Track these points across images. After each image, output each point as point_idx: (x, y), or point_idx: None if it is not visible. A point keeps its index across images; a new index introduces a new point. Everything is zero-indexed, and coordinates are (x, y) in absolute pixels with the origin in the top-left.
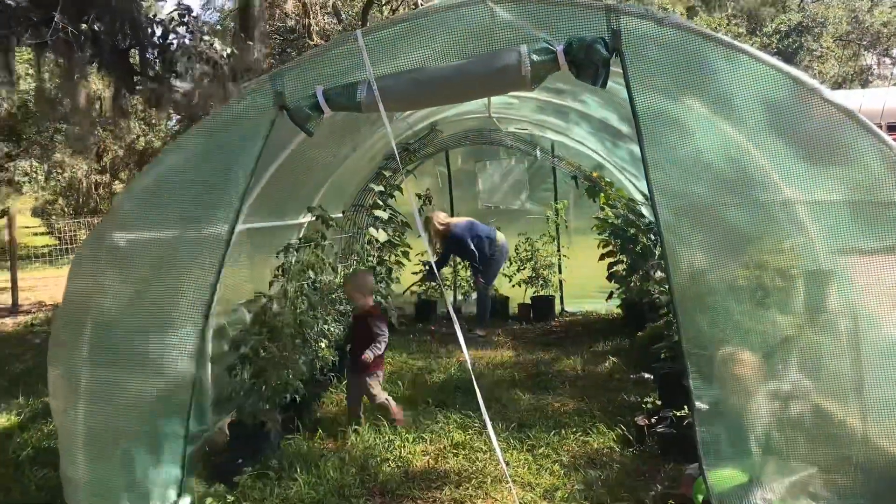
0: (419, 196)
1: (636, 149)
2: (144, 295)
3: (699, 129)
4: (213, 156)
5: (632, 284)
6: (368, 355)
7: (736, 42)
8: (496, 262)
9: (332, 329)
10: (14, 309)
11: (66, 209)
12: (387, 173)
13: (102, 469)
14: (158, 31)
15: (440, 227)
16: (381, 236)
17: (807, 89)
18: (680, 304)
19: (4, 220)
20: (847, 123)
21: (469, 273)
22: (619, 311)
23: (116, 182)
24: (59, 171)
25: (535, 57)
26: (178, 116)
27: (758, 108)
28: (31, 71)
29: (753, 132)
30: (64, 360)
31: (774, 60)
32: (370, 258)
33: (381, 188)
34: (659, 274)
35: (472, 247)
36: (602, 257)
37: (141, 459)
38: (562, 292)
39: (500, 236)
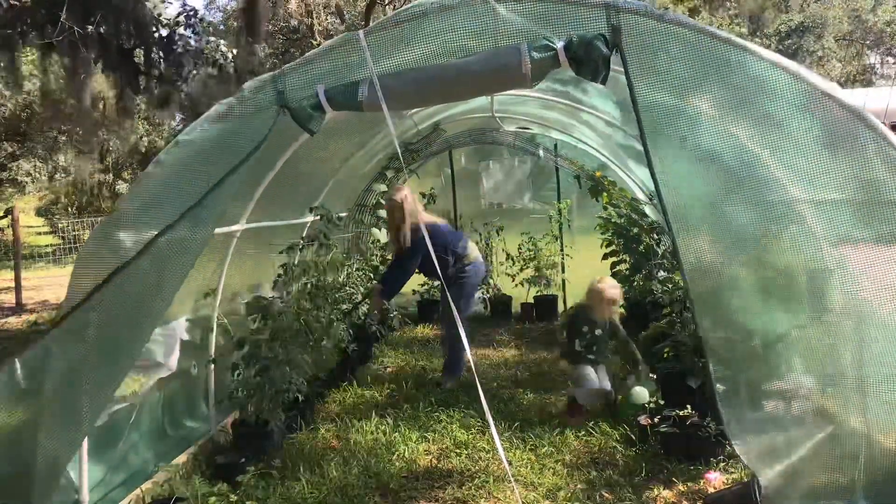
0: (423, 195)
1: (640, 147)
2: (146, 294)
3: (702, 126)
4: (212, 155)
5: (634, 284)
6: None
7: (740, 40)
8: (464, 287)
9: (334, 328)
10: (18, 308)
11: (69, 209)
12: (389, 173)
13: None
14: (164, 32)
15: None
16: (384, 236)
17: (813, 88)
18: (693, 297)
19: (8, 220)
20: (854, 123)
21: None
22: (621, 310)
23: (120, 182)
24: (65, 173)
25: (535, 54)
26: (182, 116)
27: (763, 106)
28: (35, 71)
29: (758, 130)
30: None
31: (780, 58)
32: (373, 257)
33: (385, 188)
34: (661, 273)
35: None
36: (605, 257)
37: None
38: (564, 292)
39: (474, 250)
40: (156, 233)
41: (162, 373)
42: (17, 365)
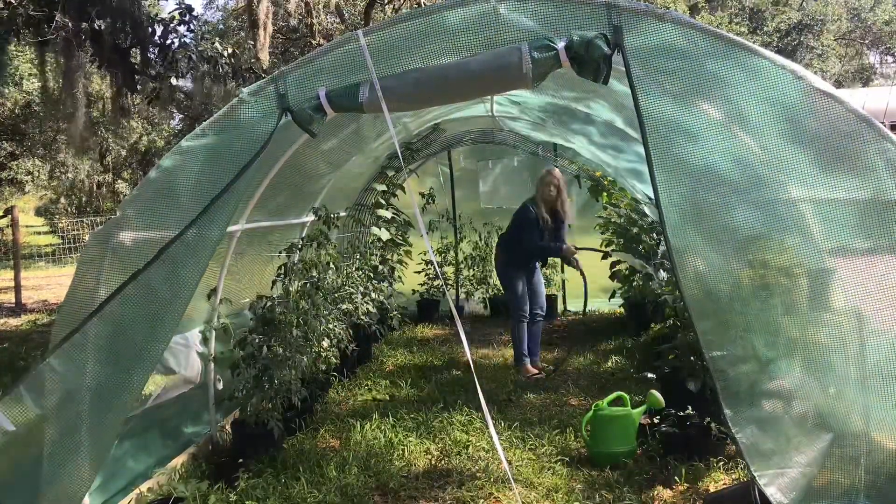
0: (422, 195)
1: (641, 151)
2: (146, 296)
3: (704, 128)
4: (214, 159)
5: (634, 284)
6: None
7: (742, 40)
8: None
9: (334, 328)
10: (18, 308)
11: (68, 208)
12: (389, 172)
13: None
14: (159, 31)
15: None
16: (384, 235)
17: (814, 89)
18: (690, 306)
19: (8, 220)
20: (855, 123)
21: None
22: (621, 310)
23: (119, 181)
24: (62, 170)
25: (536, 54)
26: (181, 115)
27: (764, 107)
28: (34, 70)
29: (760, 132)
30: (65, 360)
31: (783, 59)
32: (373, 257)
33: (384, 187)
34: (662, 274)
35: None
36: (605, 256)
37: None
38: (564, 291)
39: None
40: (158, 237)
41: (179, 382)
42: (22, 390)
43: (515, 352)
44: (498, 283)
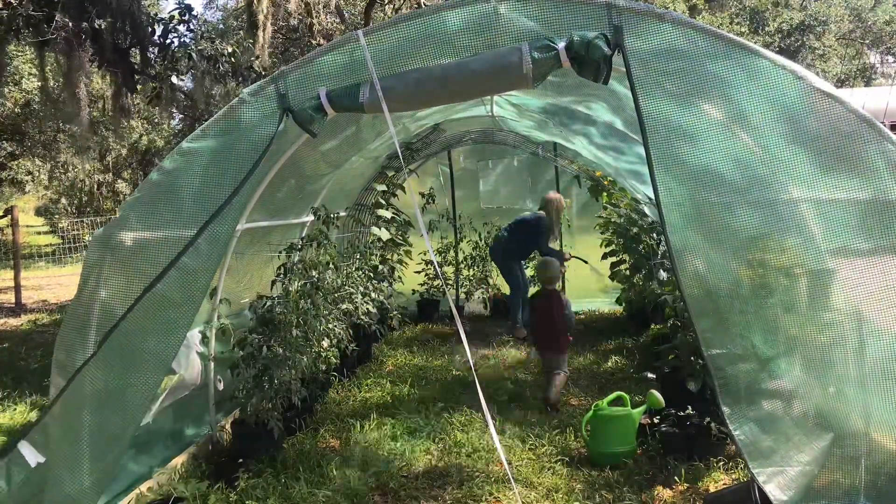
0: (422, 195)
1: (641, 152)
2: (158, 302)
3: (705, 128)
4: (217, 161)
5: (634, 284)
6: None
7: (743, 40)
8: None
9: (334, 328)
10: (18, 308)
11: (69, 208)
12: (389, 172)
13: (100, 474)
14: (159, 30)
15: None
16: (384, 235)
17: (815, 89)
18: (691, 308)
19: (8, 220)
20: (855, 124)
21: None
22: (622, 310)
23: (119, 181)
24: (62, 170)
25: (536, 54)
26: (181, 115)
27: (765, 107)
28: (34, 70)
29: (761, 132)
30: (70, 363)
31: (782, 59)
32: (373, 257)
33: (384, 187)
34: (662, 274)
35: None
36: (605, 256)
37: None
38: (564, 291)
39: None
40: (161, 238)
41: (181, 384)
42: (46, 421)
43: (512, 317)
44: (498, 282)
